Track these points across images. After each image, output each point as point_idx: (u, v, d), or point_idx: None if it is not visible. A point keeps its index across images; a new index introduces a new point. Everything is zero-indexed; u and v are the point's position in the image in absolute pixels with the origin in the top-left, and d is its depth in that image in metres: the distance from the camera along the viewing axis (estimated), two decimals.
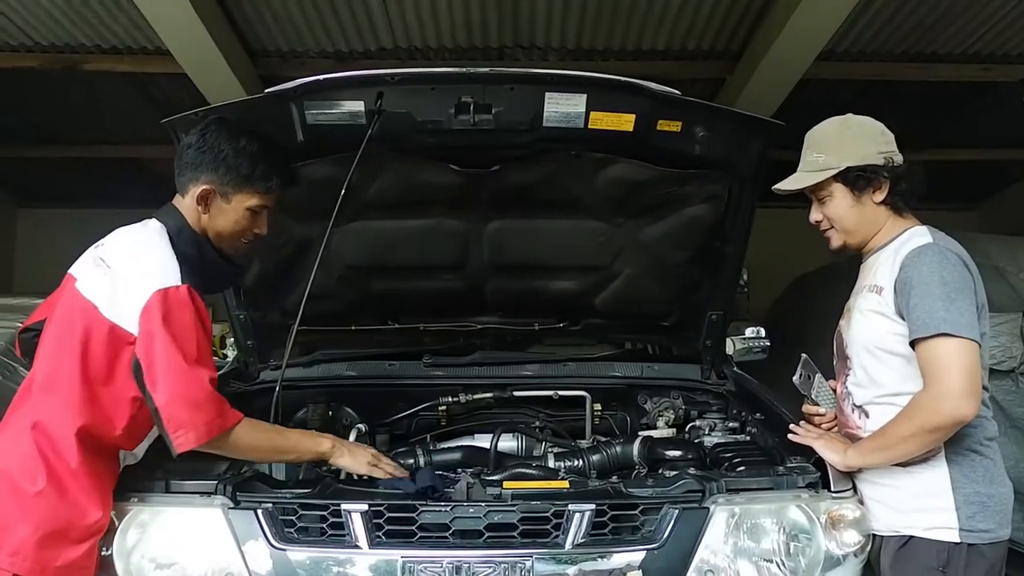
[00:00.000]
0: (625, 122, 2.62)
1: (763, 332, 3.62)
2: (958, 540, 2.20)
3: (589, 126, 2.60)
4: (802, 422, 2.63)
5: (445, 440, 3.19)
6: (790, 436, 2.57)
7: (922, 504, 2.26)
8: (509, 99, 2.57)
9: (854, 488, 2.44)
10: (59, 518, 2.15)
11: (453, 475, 2.70)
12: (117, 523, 2.31)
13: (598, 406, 3.31)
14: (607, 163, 2.83)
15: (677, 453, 2.89)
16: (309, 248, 2.96)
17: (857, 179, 2.36)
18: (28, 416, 2.20)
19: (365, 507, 2.30)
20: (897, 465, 2.29)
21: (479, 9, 5.39)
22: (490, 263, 3.19)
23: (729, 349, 3.52)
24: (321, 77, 2.54)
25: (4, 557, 2.10)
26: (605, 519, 2.31)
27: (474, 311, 3.48)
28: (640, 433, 3.14)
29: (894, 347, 2.29)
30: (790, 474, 2.45)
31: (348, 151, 2.55)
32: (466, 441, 3.13)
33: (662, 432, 3.19)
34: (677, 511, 2.34)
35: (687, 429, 3.22)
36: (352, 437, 2.91)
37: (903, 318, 2.24)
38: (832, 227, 2.46)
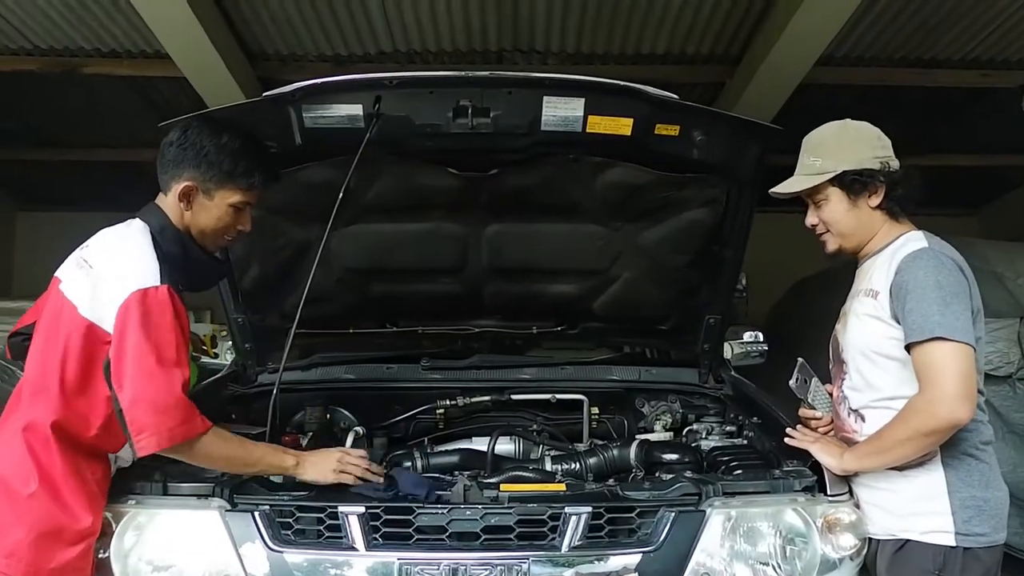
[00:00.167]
0: (623, 126, 2.62)
1: (761, 336, 3.64)
2: (954, 544, 2.20)
3: (587, 130, 2.61)
4: (799, 426, 2.63)
5: (443, 443, 3.19)
6: (786, 440, 2.57)
7: (918, 508, 2.26)
8: (507, 103, 2.57)
9: (850, 492, 2.44)
10: (52, 520, 2.15)
11: (450, 477, 2.70)
12: (114, 525, 2.31)
13: (596, 410, 3.31)
14: (605, 167, 2.83)
15: (674, 456, 2.89)
16: (307, 251, 2.97)
17: (853, 183, 2.37)
18: (20, 419, 2.21)
19: (362, 509, 2.31)
20: (893, 469, 2.29)
21: (478, 13, 5.41)
22: (488, 267, 3.20)
23: (727, 353, 3.54)
24: (319, 80, 2.54)
25: None
26: (601, 522, 2.32)
27: (472, 315, 3.48)
28: (637, 436, 3.14)
29: (890, 351, 2.30)
30: (786, 478, 2.45)
31: (346, 154, 2.55)
32: (464, 444, 3.12)
33: (659, 436, 3.20)
34: (673, 514, 2.34)
35: (684, 433, 3.22)
36: (349, 440, 2.91)
37: (899, 322, 2.24)
38: (828, 231, 2.46)
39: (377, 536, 2.29)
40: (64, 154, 8.06)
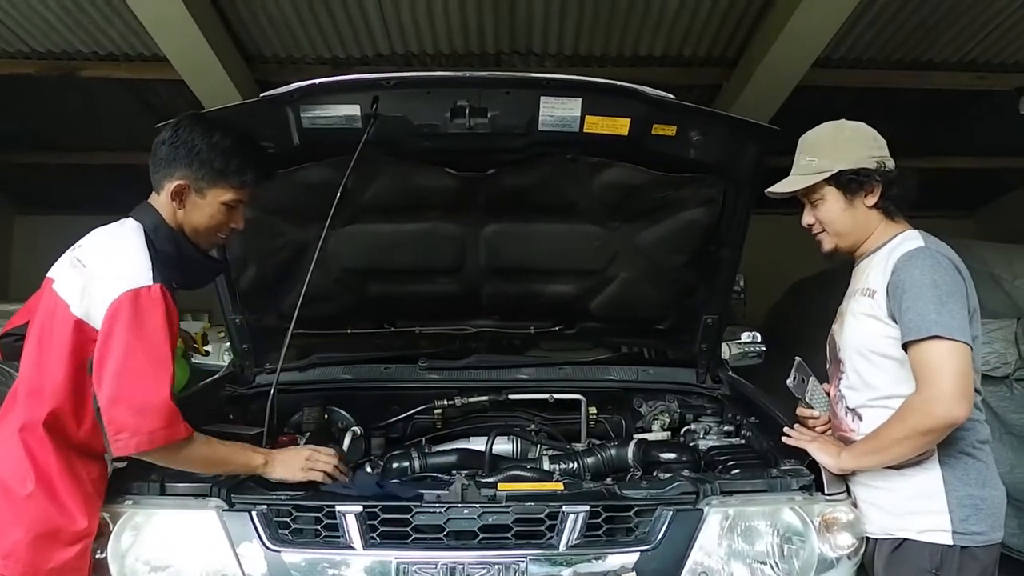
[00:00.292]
0: (620, 126, 2.63)
1: (759, 337, 3.64)
2: (951, 543, 2.21)
3: (584, 130, 2.61)
4: (796, 425, 2.64)
5: (440, 443, 3.19)
6: (784, 439, 2.57)
7: (915, 507, 2.26)
8: (505, 103, 2.58)
9: (848, 491, 2.45)
10: (50, 520, 2.15)
11: (448, 477, 2.70)
12: (111, 525, 2.31)
13: (593, 409, 3.31)
14: (602, 167, 2.84)
15: (672, 456, 2.89)
16: (305, 251, 2.97)
17: (850, 182, 2.38)
18: (17, 419, 2.20)
19: (360, 508, 2.31)
20: (890, 468, 2.30)
21: (476, 15, 5.41)
22: (486, 267, 3.20)
23: (725, 354, 3.55)
24: (317, 81, 2.55)
25: None
26: (599, 520, 2.32)
27: (470, 315, 3.49)
28: (635, 436, 3.15)
29: (887, 350, 2.30)
30: (784, 477, 2.46)
31: (344, 155, 2.55)
32: (461, 444, 3.13)
33: (657, 435, 3.20)
34: (671, 513, 2.34)
35: (682, 432, 3.22)
36: (347, 440, 2.91)
37: (895, 321, 2.25)
38: (824, 230, 2.47)
39: (375, 535, 2.29)
40: (62, 157, 8.04)
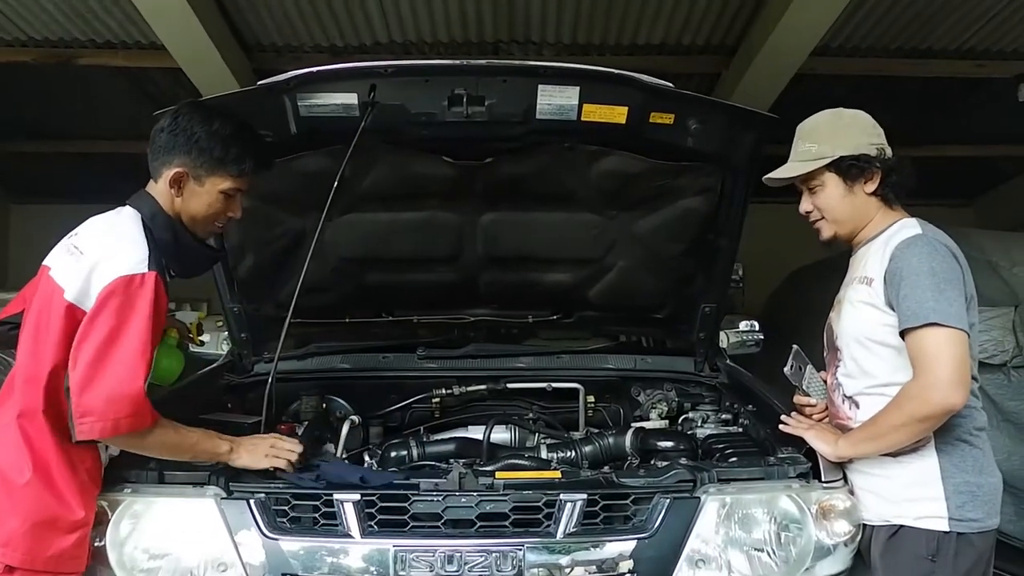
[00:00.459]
0: (618, 114, 2.62)
1: (757, 326, 3.65)
2: (948, 529, 2.21)
3: (582, 118, 2.61)
4: (793, 413, 2.64)
5: (439, 432, 3.19)
6: (781, 427, 2.57)
7: (912, 494, 2.27)
8: (502, 91, 2.57)
9: (844, 478, 2.45)
10: (47, 509, 2.16)
11: (446, 465, 2.71)
12: (110, 514, 2.32)
13: (591, 398, 3.31)
14: (600, 155, 2.83)
15: (669, 444, 2.90)
16: (303, 240, 2.97)
17: (850, 168, 2.38)
18: (14, 407, 2.20)
19: (357, 497, 2.31)
20: (887, 455, 2.30)
21: (474, 3, 5.39)
22: (484, 255, 3.20)
23: (723, 342, 3.55)
24: (314, 69, 2.54)
25: None
26: (596, 509, 2.33)
27: (468, 303, 3.49)
28: (633, 424, 3.15)
29: (884, 338, 2.30)
30: (781, 464, 2.46)
31: (341, 143, 2.55)
32: (460, 433, 3.13)
33: (655, 424, 3.20)
34: (668, 501, 2.35)
35: (680, 421, 3.23)
36: (345, 429, 2.91)
37: (893, 309, 2.25)
38: (822, 217, 2.47)
39: (373, 523, 2.29)
40: (59, 146, 8.03)
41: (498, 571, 2.23)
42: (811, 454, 2.47)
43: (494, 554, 2.24)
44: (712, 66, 6.20)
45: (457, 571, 2.22)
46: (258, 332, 3.31)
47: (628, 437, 2.94)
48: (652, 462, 2.77)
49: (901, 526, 2.28)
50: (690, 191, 2.95)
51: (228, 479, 2.35)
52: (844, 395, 2.45)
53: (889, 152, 2.40)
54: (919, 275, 2.20)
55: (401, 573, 2.23)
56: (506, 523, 2.31)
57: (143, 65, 6.15)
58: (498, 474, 2.48)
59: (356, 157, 2.57)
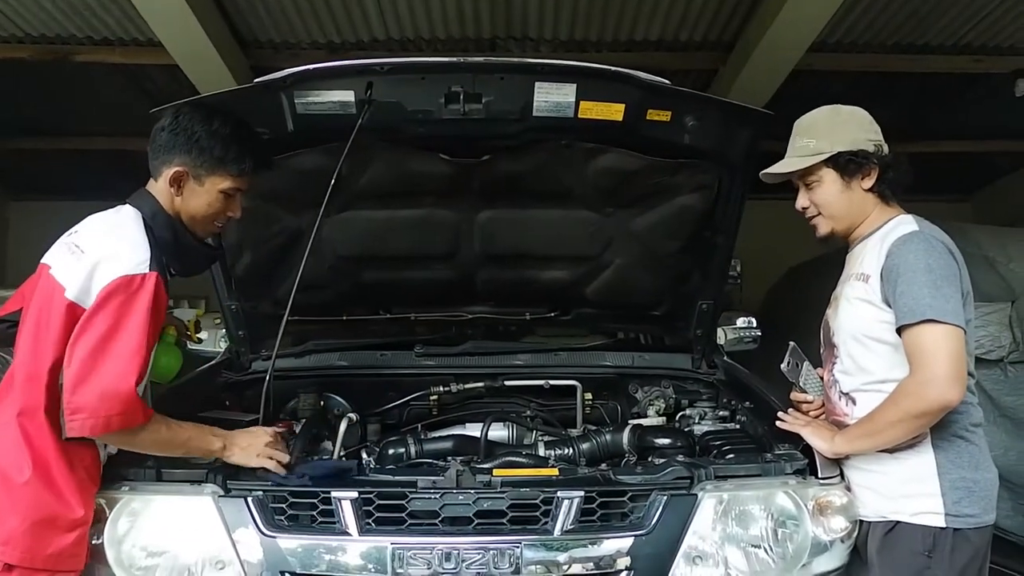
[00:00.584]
0: (615, 112, 2.62)
1: (754, 322, 3.65)
2: (944, 525, 2.21)
3: (579, 116, 2.60)
4: (790, 410, 2.65)
5: (436, 429, 3.19)
6: (778, 423, 2.58)
7: (908, 490, 2.27)
8: (499, 89, 2.57)
9: (841, 474, 2.46)
10: (47, 508, 2.16)
11: (443, 463, 2.71)
12: (108, 512, 2.32)
13: (589, 395, 3.32)
14: (597, 153, 2.83)
15: (666, 441, 2.90)
16: (300, 238, 2.97)
17: (848, 164, 2.38)
18: (13, 406, 2.20)
19: (355, 494, 2.31)
20: (884, 451, 2.31)
21: (471, 0, 5.39)
22: (481, 253, 3.20)
23: (721, 339, 3.55)
24: (311, 67, 2.54)
25: None
26: (594, 506, 2.33)
27: (465, 301, 3.49)
28: (630, 422, 3.15)
29: (881, 335, 2.31)
30: (778, 461, 2.46)
31: (338, 141, 2.54)
32: (457, 430, 3.13)
33: (652, 421, 3.21)
34: (665, 498, 2.35)
35: (677, 418, 3.23)
36: (343, 426, 2.91)
37: (890, 306, 2.25)
38: (819, 213, 2.47)
39: (370, 521, 2.30)
40: (57, 143, 8.02)
41: (495, 568, 2.24)
42: (808, 450, 2.47)
43: (491, 551, 2.25)
44: (709, 62, 6.20)
45: (455, 568, 2.23)
46: (256, 330, 3.31)
47: (625, 434, 2.94)
48: (649, 459, 2.77)
49: (898, 522, 2.29)
50: (687, 188, 2.95)
51: (226, 477, 2.35)
52: (841, 391, 2.46)
53: (886, 149, 2.41)
54: (916, 272, 2.20)
55: (399, 570, 2.23)
56: (504, 520, 2.31)
57: (140, 62, 6.14)
58: (496, 471, 2.48)
59: (353, 155, 2.56)
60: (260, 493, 2.35)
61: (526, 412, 3.23)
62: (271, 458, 2.42)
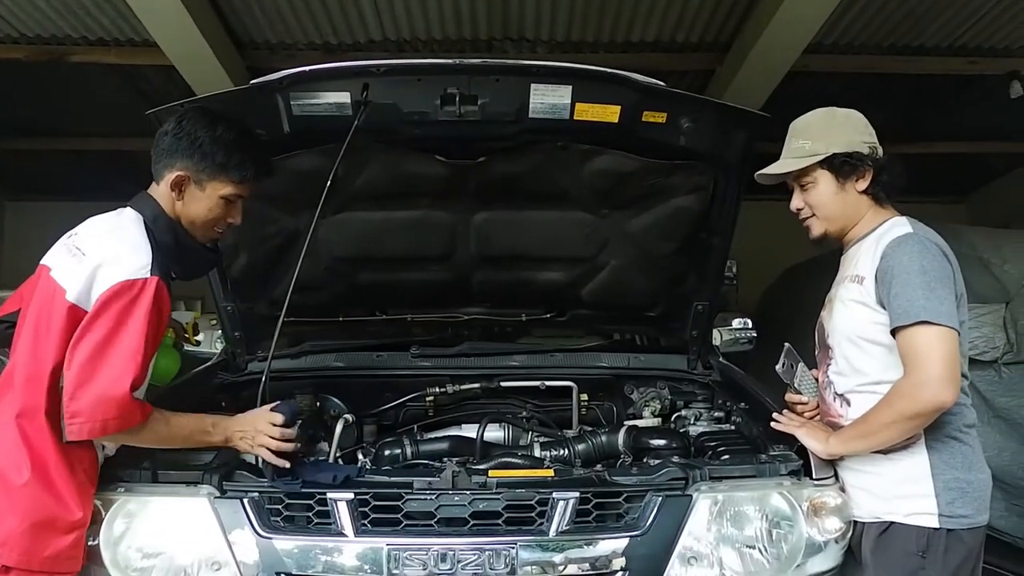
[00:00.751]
0: (610, 113, 2.63)
1: (750, 323, 3.66)
2: (938, 526, 2.22)
3: (575, 117, 2.61)
4: (785, 411, 2.65)
5: (432, 430, 3.20)
6: (773, 424, 2.58)
7: (902, 491, 2.28)
8: (495, 90, 2.57)
9: (836, 475, 2.46)
10: (45, 510, 2.16)
11: (439, 464, 2.71)
12: (103, 513, 2.32)
13: (585, 396, 3.32)
14: (593, 154, 2.84)
15: (662, 442, 2.90)
16: (296, 239, 2.97)
17: (843, 165, 2.39)
18: (13, 407, 2.20)
19: (351, 495, 2.32)
20: (878, 452, 2.32)
21: (468, 0, 5.39)
22: (477, 254, 3.21)
23: (716, 340, 3.56)
24: (307, 68, 2.54)
25: None
26: (589, 507, 2.34)
27: (461, 302, 3.49)
28: (626, 423, 3.16)
29: (876, 336, 2.31)
30: (773, 462, 2.47)
31: (334, 142, 2.55)
32: (453, 431, 3.14)
33: (648, 422, 3.21)
34: (660, 498, 2.36)
35: (673, 419, 3.23)
36: (339, 428, 2.91)
37: (884, 307, 2.26)
38: (813, 215, 2.48)
39: (366, 522, 2.30)
40: (52, 143, 8.00)
41: (491, 569, 2.24)
42: (802, 452, 2.48)
43: (487, 552, 2.25)
44: (705, 63, 6.21)
45: (450, 569, 2.23)
46: (252, 331, 3.31)
47: (621, 435, 2.95)
48: (645, 460, 2.78)
49: (891, 523, 2.29)
50: (683, 190, 2.96)
51: (222, 478, 2.36)
52: (835, 393, 2.46)
53: (881, 151, 2.42)
54: (910, 273, 2.21)
55: (395, 571, 2.23)
56: (499, 521, 2.32)
57: (136, 62, 6.13)
58: (491, 472, 2.49)
59: (349, 156, 2.57)
60: (256, 494, 2.35)
61: (522, 413, 3.24)
62: (270, 449, 2.41)
